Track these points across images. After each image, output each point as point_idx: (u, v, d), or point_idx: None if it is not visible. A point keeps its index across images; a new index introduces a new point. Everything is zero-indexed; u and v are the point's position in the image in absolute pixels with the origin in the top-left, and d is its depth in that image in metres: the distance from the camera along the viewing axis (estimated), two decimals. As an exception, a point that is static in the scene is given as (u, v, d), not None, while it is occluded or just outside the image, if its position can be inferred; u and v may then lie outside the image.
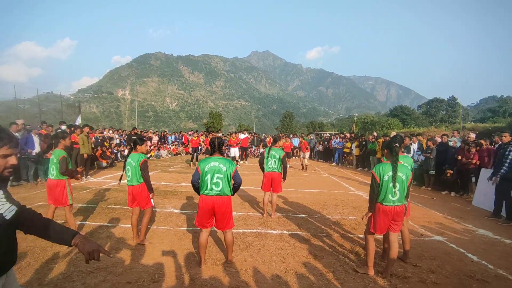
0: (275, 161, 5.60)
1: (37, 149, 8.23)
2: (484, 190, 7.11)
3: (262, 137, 21.27)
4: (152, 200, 4.17)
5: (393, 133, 14.16)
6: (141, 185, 4.04)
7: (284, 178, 5.70)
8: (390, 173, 3.24)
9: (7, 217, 1.44)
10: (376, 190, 3.32)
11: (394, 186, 3.22)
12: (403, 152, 3.97)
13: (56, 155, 4.17)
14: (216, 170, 3.37)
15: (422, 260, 3.90)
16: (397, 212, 3.30)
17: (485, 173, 7.29)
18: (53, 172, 4.22)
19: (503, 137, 6.44)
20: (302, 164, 13.38)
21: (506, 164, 5.84)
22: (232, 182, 3.50)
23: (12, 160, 1.48)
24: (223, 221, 3.46)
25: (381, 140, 12.48)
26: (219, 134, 22.44)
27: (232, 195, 3.52)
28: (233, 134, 14.34)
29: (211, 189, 3.36)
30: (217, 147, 3.57)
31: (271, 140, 6.29)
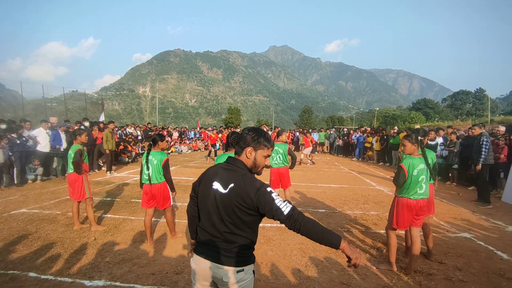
0: (280, 156, 5.41)
1: (64, 145, 8.61)
2: (515, 186, 6.77)
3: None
4: (172, 199, 4.16)
5: (417, 127, 13.73)
6: (162, 184, 3.98)
7: (291, 167, 5.46)
8: (420, 167, 3.19)
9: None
10: (400, 182, 3.23)
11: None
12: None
13: (72, 150, 4.40)
14: None
15: (448, 257, 3.77)
16: (421, 206, 3.25)
17: (516, 168, 6.93)
18: (71, 166, 4.43)
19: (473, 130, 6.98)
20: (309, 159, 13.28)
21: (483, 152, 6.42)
22: None
23: (268, 161, 1.72)
24: None
25: (403, 134, 12.13)
26: (237, 130, 22.56)
27: None
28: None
29: None
30: (233, 143, 3.46)
31: (275, 134, 6.07)
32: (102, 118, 17.44)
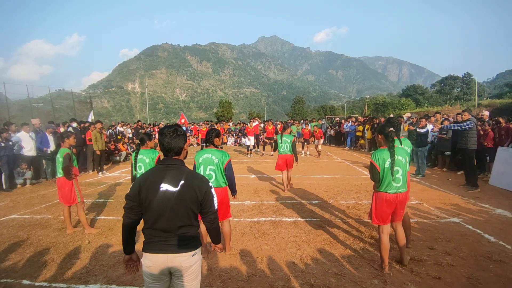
0: (287, 146, 6.65)
1: (52, 147, 8.46)
2: (502, 169, 6.94)
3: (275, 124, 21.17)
4: None
5: (407, 114, 13.86)
6: None
7: (296, 159, 6.75)
8: (390, 160, 3.03)
9: None
10: (375, 178, 3.13)
11: (392, 173, 3.01)
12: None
13: (60, 154, 4.34)
14: (208, 162, 3.39)
15: (438, 242, 3.87)
16: (401, 200, 3.12)
17: (502, 151, 7.09)
18: (60, 171, 4.37)
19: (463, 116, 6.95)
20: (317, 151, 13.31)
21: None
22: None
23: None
24: (220, 212, 3.39)
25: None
26: (230, 124, 22.47)
27: (227, 186, 3.56)
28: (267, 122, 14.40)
29: None
30: (211, 139, 3.52)
31: (282, 127, 7.27)
32: (91, 117, 17.15)
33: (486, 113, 8.98)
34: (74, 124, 10.03)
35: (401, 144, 3.48)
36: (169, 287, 1.85)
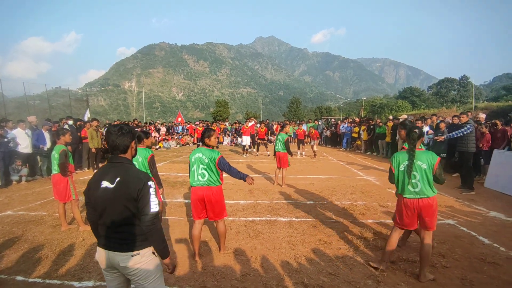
0: (280, 144, 7.15)
1: (48, 144, 8.40)
2: (497, 172, 7.00)
3: (270, 125, 21.22)
4: (160, 195, 4.09)
5: (403, 116, 13.93)
6: None
7: (290, 154, 7.21)
8: (407, 162, 2.99)
9: None
10: (392, 180, 3.19)
11: (409, 177, 2.95)
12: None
13: (56, 150, 4.32)
14: (200, 161, 3.38)
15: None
16: (422, 206, 2.97)
17: (497, 154, 7.16)
18: (55, 168, 4.35)
19: (461, 118, 7.12)
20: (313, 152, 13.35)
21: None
22: (221, 172, 3.46)
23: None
24: (214, 212, 3.44)
25: (390, 123, 12.31)
26: (226, 123, 22.47)
27: (221, 184, 3.50)
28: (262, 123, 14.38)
29: (198, 180, 3.39)
30: (203, 139, 3.51)
31: (278, 127, 7.38)
32: (87, 115, 17.04)
33: (482, 115, 9.06)
34: (70, 122, 9.96)
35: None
36: (126, 280, 1.87)
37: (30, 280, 3.01)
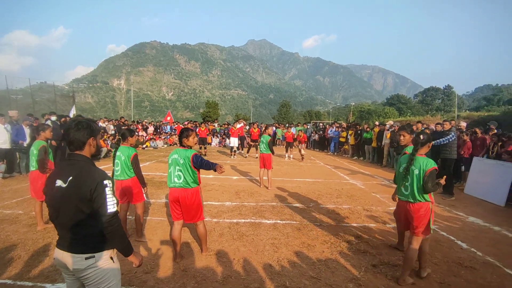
0: (264, 145, 7.29)
1: (28, 140, 8.14)
2: (476, 178, 7.18)
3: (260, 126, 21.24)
4: (144, 194, 4.04)
5: (389, 122, 14.16)
6: (132, 179, 3.86)
7: (272, 152, 7.27)
8: (405, 165, 3.14)
9: None
10: (395, 181, 3.42)
11: (405, 179, 3.10)
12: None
13: (35, 146, 4.19)
14: (176, 162, 3.30)
15: (413, 248, 3.94)
16: (409, 209, 3.10)
17: (477, 162, 7.34)
18: (34, 164, 4.21)
19: (444, 125, 7.46)
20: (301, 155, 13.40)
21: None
22: (198, 172, 3.34)
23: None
24: (190, 214, 3.37)
25: (376, 129, 12.49)
26: (215, 124, 22.35)
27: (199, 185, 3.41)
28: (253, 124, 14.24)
29: (174, 182, 3.31)
30: (181, 139, 3.40)
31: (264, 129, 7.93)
32: (73, 111, 16.67)
33: (463, 123, 9.36)
34: (53, 118, 9.69)
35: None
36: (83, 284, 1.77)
37: (0, 281, 2.88)
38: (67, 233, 1.69)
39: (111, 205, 1.66)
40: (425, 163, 3.00)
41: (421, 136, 3.09)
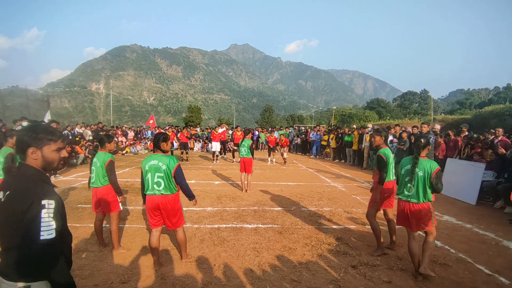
0: (245, 149, 7.33)
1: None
2: (450, 178, 7.45)
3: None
4: (120, 204, 3.85)
5: (369, 125, 14.51)
6: (106, 187, 3.70)
7: (252, 156, 7.40)
8: (408, 167, 3.31)
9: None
10: (397, 182, 3.55)
11: (410, 181, 3.24)
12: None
13: (2, 154, 4.02)
14: (156, 168, 3.19)
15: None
16: (411, 209, 3.26)
17: (451, 162, 7.64)
18: (0, 172, 4.02)
19: (423, 128, 7.92)
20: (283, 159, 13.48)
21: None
22: (178, 185, 3.31)
23: (64, 153, 1.62)
24: (171, 220, 3.31)
25: (356, 132, 12.77)
26: (197, 129, 22.18)
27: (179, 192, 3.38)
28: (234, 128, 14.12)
29: (153, 188, 3.21)
30: (158, 144, 3.30)
31: (243, 133, 8.24)
32: (48, 116, 16.07)
33: (437, 126, 9.77)
34: (25, 123, 9.30)
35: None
36: None
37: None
38: (4, 255, 1.43)
39: (46, 231, 1.35)
40: (429, 165, 3.20)
41: (422, 140, 3.30)
